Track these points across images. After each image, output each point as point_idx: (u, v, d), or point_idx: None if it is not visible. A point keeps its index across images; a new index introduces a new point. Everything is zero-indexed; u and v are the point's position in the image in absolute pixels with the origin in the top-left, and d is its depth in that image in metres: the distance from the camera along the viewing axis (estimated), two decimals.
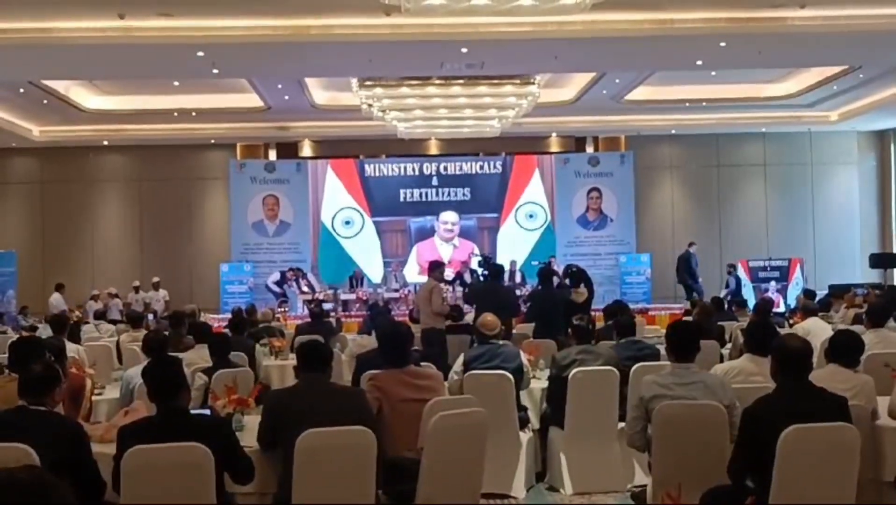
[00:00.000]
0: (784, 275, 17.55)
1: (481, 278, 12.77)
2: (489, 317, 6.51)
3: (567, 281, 11.14)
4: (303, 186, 19.02)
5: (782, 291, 17.27)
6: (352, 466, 3.87)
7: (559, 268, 15.36)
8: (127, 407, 4.99)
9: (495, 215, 19.37)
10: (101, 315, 13.49)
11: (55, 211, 19.00)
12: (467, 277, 16.05)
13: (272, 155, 19.32)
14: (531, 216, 19.39)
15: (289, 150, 19.22)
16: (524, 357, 6.49)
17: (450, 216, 19.22)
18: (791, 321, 10.25)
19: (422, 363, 5.49)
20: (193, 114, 16.80)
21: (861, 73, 14.68)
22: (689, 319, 9.43)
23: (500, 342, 6.43)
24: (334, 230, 19.24)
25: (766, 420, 3.74)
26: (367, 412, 4.31)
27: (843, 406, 3.86)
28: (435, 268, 10.00)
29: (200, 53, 11.55)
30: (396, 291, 17.25)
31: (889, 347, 6.62)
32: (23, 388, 3.91)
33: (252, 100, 16.09)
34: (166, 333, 8.23)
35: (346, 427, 3.91)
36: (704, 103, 16.95)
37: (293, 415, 4.05)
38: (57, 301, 16.26)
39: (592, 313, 10.26)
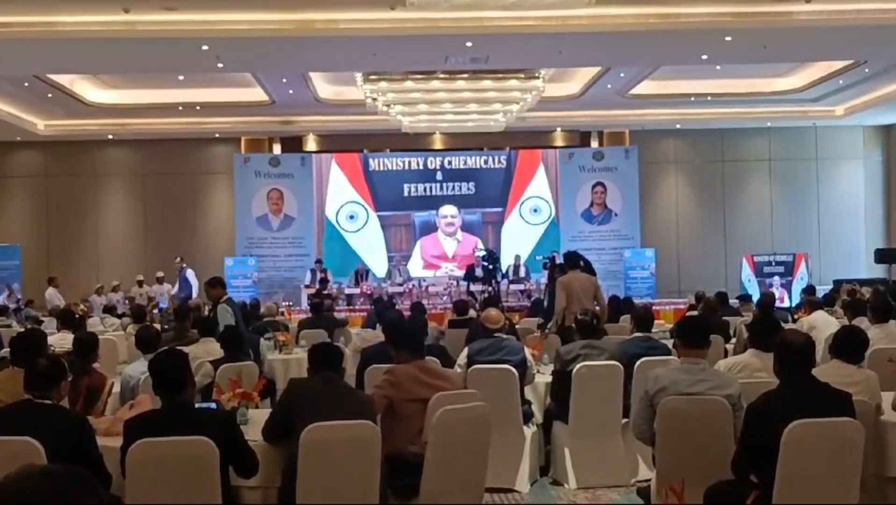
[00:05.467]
0: (789, 270, 17.53)
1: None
2: (493, 311, 6.54)
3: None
4: (307, 181, 19.02)
5: (787, 286, 17.25)
6: (356, 461, 3.88)
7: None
8: (132, 400, 5.00)
9: (499, 210, 19.36)
10: (108, 309, 13.51)
11: (60, 205, 19.03)
12: (478, 272, 16.11)
13: (276, 149, 19.32)
14: (535, 211, 19.38)
15: (293, 144, 19.21)
16: (528, 352, 6.50)
17: (449, 210, 19.21)
18: (796, 316, 10.25)
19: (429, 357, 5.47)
20: (198, 108, 16.82)
21: (867, 67, 14.64)
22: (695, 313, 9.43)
23: (504, 336, 6.44)
24: (339, 224, 19.25)
25: (769, 415, 3.74)
26: (373, 417, 4.31)
27: (847, 401, 3.87)
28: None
29: (205, 47, 11.55)
30: (400, 285, 17.27)
31: (893, 342, 6.62)
32: (28, 381, 3.92)
33: (256, 94, 16.09)
34: (162, 325, 8.30)
35: (350, 421, 3.93)
36: (709, 98, 16.93)
37: (312, 405, 4.07)
38: (52, 295, 16.29)
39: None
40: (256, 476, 4.04)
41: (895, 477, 4.45)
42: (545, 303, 11.22)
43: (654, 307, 15.44)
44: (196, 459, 3.61)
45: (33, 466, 1.65)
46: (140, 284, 17.46)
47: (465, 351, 6.30)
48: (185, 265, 17.14)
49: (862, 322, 6.95)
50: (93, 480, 1.66)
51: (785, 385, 3.91)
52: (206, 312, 8.89)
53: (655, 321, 11.23)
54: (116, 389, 6.26)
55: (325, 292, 15.87)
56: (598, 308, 8.41)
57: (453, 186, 19.28)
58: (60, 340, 7.49)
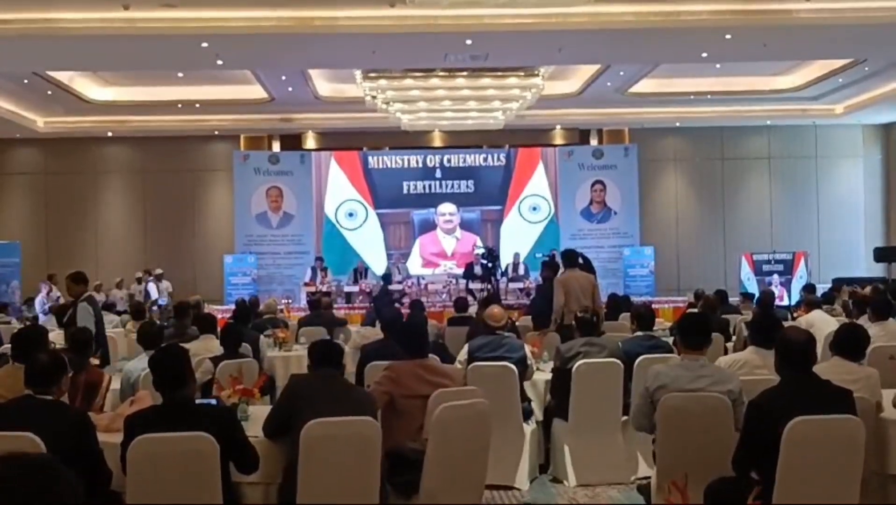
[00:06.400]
0: (788, 268, 17.53)
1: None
2: (496, 309, 6.56)
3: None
4: (306, 178, 19.01)
5: (786, 285, 17.25)
6: (357, 457, 3.88)
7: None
8: (132, 397, 5.00)
9: (499, 208, 19.35)
10: (108, 306, 13.51)
11: (59, 202, 19.02)
12: (477, 270, 16.11)
13: (276, 146, 19.30)
14: (535, 209, 19.38)
15: (292, 141, 19.21)
16: (528, 349, 6.50)
17: (448, 208, 19.20)
18: (795, 314, 10.26)
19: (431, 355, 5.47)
20: (197, 105, 16.80)
21: (866, 65, 14.64)
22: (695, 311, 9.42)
23: (505, 333, 6.45)
24: (338, 222, 19.24)
25: (770, 412, 3.74)
26: (374, 414, 4.32)
27: (848, 398, 3.87)
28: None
29: (205, 44, 11.53)
30: (400, 283, 17.25)
31: (893, 339, 6.63)
32: (29, 377, 3.92)
33: (256, 91, 16.07)
34: (160, 322, 8.26)
35: (351, 417, 3.93)
36: (709, 96, 16.92)
37: (313, 402, 4.08)
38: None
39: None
40: (257, 472, 4.04)
41: (895, 474, 4.46)
42: (535, 299, 11.21)
43: (653, 305, 15.51)
44: (196, 455, 3.61)
45: None
46: (139, 281, 17.46)
47: (466, 347, 6.31)
48: (149, 277, 17.14)
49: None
50: (63, 471, 1.66)
51: (786, 382, 3.92)
52: (66, 310, 8.66)
53: (658, 319, 11.26)
54: (115, 385, 6.26)
55: (326, 290, 15.89)
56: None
57: (452, 184, 19.27)
58: (59, 337, 7.48)
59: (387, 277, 15.99)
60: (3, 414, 3.79)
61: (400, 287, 16.89)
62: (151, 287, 16.81)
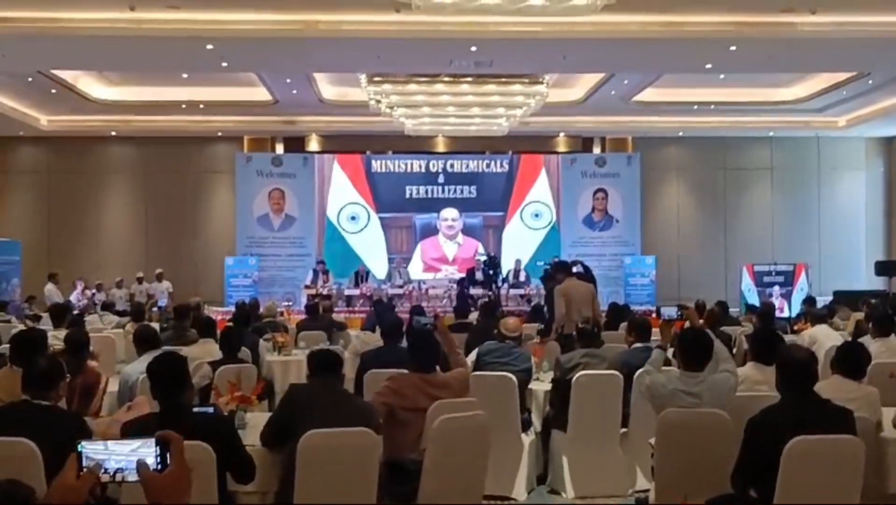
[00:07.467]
0: (789, 280, 17.49)
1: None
2: (511, 320, 6.60)
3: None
4: (309, 181, 19.02)
5: (787, 297, 17.22)
6: (354, 468, 3.87)
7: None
8: (129, 402, 4.98)
9: (501, 214, 19.35)
10: (108, 306, 13.50)
11: (61, 201, 19.01)
12: (479, 276, 16.11)
13: (279, 149, 19.31)
14: (537, 216, 19.37)
15: (296, 144, 19.21)
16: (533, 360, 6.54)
17: (450, 213, 19.20)
18: (795, 327, 10.23)
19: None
20: (201, 106, 16.81)
21: (870, 79, 14.64)
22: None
23: (514, 343, 6.46)
24: (340, 225, 19.24)
25: (770, 430, 3.73)
26: (375, 425, 4.30)
27: (848, 418, 3.85)
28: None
29: (210, 46, 11.55)
30: (400, 287, 17.25)
31: (895, 356, 6.61)
32: (26, 381, 3.90)
33: (260, 93, 16.08)
34: (161, 324, 8.24)
35: (349, 428, 3.91)
36: (713, 106, 16.92)
37: (312, 411, 4.06)
38: (51, 291, 16.24)
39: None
40: (253, 481, 4.02)
41: (895, 494, 4.44)
42: (545, 309, 11.21)
43: (653, 315, 15.46)
44: (193, 463, 3.57)
45: None
46: (140, 281, 17.45)
47: (476, 351, 6.34)
48: (94, 291, 16.74)
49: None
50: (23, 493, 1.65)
51: (786, 400, 3.91)
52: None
53: (655, 328, 11.18)
54: (113, 388, 6.24)
55: (326, 293, 15.90)
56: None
57: (455, 189, 19.27)
58: (55, 338, 7.46)
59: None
60: (0, 418, 3.77)
61: (401, 291, 16.91)
62: (100, 295, 16.49)
